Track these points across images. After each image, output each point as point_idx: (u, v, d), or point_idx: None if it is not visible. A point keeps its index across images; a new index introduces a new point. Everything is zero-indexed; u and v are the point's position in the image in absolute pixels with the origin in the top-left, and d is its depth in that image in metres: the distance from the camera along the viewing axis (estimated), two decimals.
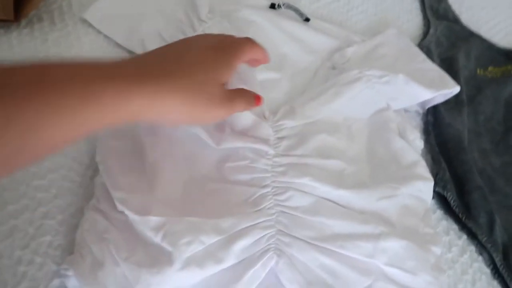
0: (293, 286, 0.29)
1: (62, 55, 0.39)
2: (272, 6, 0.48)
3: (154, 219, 0.28)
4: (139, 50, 0.41)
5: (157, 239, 0.28)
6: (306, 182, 0.32)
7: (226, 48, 0.28)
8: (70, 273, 0.29)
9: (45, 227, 0.31)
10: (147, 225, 0.28)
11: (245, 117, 0.36)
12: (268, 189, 0.32)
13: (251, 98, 0.30)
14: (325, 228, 0.31)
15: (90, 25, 0.41)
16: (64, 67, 0.21)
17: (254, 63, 0.32)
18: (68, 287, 0.29)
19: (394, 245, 0.31)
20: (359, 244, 0.30)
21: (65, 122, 0.20)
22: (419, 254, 0.32)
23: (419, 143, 0.41)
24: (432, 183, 0.37)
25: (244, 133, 0.35)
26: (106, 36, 0.41)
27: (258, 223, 0.31)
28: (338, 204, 0.32)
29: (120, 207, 0.30)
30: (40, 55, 0.38)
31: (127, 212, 0.29)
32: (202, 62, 0.26)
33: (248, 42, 0.30)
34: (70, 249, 0.31)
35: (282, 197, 0.32)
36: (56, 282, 0.30)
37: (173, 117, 0.25)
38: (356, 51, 0.46)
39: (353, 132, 0.39)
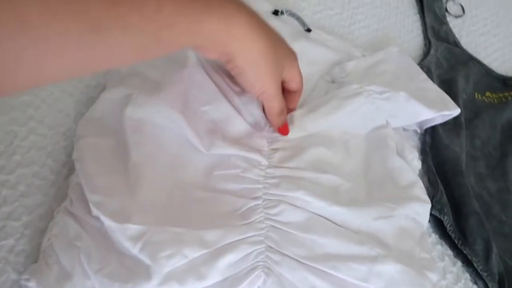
0: None
1: None
2: (275, 12, 0.46)
3: (133, 227, 0.26)
4: None
5: (134, 250, 0.25)
6: (299, 196, 0.30)
7: (292, 54, 0.34)
8: (32, 284, 0.26)
9: (7, 229, 0.28)
10: (125, 233, 0.25)
11: (239, 124, 0.34)
12: (259, 202, 0.30)
13: (285, 114, 0.33)
14: (318, 246, 0.29)
15: None
16: None
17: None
18: None
19: (390, 269, 0.29)
20: (353, 266, 0.28)
21: (189, 24, 0.23)
22: (416, 280, 0.30)
23: (417, 164, 0.40)
24: (429, 206, 0.36)
25: (236, 141, 0.33)
26: None
27: (247, 237, 0.28)
28: (332, 221, 0.30)
29: (95, 211, 0.27)
30: None
31: (102, 217, 0.26)
32: (284, 48, 0.32)
33: (297, 67, 0.34)
34: (35, 256, 0.28)
35: (274, 211, 0.29)
36: None
37: (245, 57, 0.28)
38: (357, 65, 0.44)
39: (349, 148, 0.37)
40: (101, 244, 0.26)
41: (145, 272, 0.24)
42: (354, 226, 0.30)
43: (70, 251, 0.26)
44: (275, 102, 0.31)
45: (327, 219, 0.30)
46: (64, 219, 0.28)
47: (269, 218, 0.29)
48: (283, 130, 0.33)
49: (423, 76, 0.46)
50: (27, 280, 0.26)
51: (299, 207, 0.30)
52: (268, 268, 0.27)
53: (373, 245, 0.30)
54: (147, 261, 0.25)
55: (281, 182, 0.31)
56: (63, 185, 0.31)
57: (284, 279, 0.27)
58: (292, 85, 0.34)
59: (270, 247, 0.28)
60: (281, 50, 0.31)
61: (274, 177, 0.31)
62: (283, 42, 0.32)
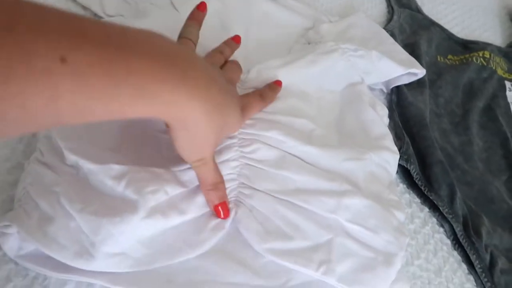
0: (251, 235, 0.30)
1: None
2: None
3: (115, 167, 0.28)
4: (96, 8, 0.41)
5: (119, 187, 0.28)
6: (273, 135, 0.33)
7: (245, 118, 0.33)
8: (11, 230, 0.27)
9: None
10: (108, 173, 0.28)
11: None
12: (234, 140, 0.33)
13: (220, 191, 0.30)
14: (289, 182, 0.32)
15: None
16: (135, 52, 0.20)
17: None
18: (4, 248, 0.28)
19: (357, 203, 0.33)
20: (322, 199, 0.32)
21: (109, 110, 0.20)
22: (382, 214, 0.34)
23: (386, 120, 0.45)
24: (397, 157, 0.40)
25: None
26: None
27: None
28: (304, 161, 0.33)
29: (72, 157, 0.29)
30: None
31: (82, 161, 0.28)
32: (234, 115, 0.29)
33: (260, 104, 0.34)
34: (6, 208, 0.29)
35: (248, 149, 0.32)
36: None
37: (185, 135, 0.26)
38: (330, 29, 0.48)
39: (323, 104, 0.41)
40: (80, 188, 0.28)
41: (132, 206, 0.27)
42: (325, 165, 0.34)
43: (49, 196, 0.28)
44: (207, 173, 0.29)
45: (299, 158, 0.33)
46: (37, 169, 0.29)
47: (244, 156, 0.32)
48: (223, 211, 0.30)
49: (391, 40, 0.51)
50: (7, 226, 0.27)
51: (272, 146, 0.33)
52: (240, 201, 0.31)
53: (343, 182, 0.33)
54: (133, 196, 0.27)
55: (256, 123, 0.34)
56: (31, 141, 0.32)
57: (255, 211, 0.31)
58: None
59: (243, 183, 0.31)
60: (229, 119, 0.28)
61: (249, 119, 0.34)
62: (233, 107, 0.29)
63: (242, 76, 0.38)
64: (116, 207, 0.27)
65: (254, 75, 0.38)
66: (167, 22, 0.38)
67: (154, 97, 0.21)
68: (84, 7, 0.41)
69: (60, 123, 0.20)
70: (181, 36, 0.31)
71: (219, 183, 0.30)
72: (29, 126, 0.19)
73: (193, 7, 0.42)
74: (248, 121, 0.34)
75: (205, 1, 0.44)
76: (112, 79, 0.19)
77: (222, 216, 0.30)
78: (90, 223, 0.26)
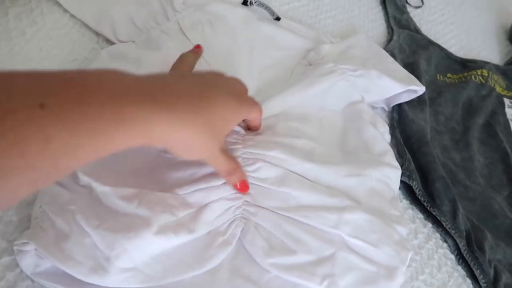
0: (256, 251, 0.31)
1: (23, 30, 0.39)
2: (244, 2, 0.52)
3: (127, 189, 0.29)
4: (108, 34, 0.43)
5: (131, 206, 0.29)
6: (275, 154, 0.34)
7: (243, 104, 0.31)
8: (28, 247, 0.28)
9: None
10: (120, 195, 0.29)
11: None
12: (238, 160, 0.34)
13: (237, 173, 0.32)
14: (291, 199, 0.33)
15: (56, 3, 0.43)
16: (101, 88, 0.22)
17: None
18: (22, 265, 0.29)
19: (358, 218, 0.34)
20: (323, 215, 0.33)
21: (96, 144, 0.21)
22: (383, 228, 0.35)
23: (387, 137, 0.46)
24: (399, 172, 0.41)
25: None
26: (72, 16, 0.42)
27: (226, 195, 0.33)
28: (305, 178, 0.35)
29: (85, 179, 0.30)
30: None
31: (95, 184, 0.30)
32: (225, 108, 0.29)
33: (258, 108, 0.34)
34: (23, 226, 0.31)
35: (251, 168, 0.34)
36: (5, 260, 0.29)
37: (187, 149, 0.27)
38: (331, 49, 0.50)
39: (325, 123, 0.42)
40: (94, 206, 0.30)
41: (145, 222, 0.28)
42: (326, 181, 0.35)
43: (64, 214, 0.29)
44: (219, 165, 0.31)
45: (300, 175, 0.35)
46: (53, 189, 0.31)
47: (247, 176, 0.33)
48: (241, 188, 0.33)
49: (391, 59, 0.53)
50: (24, 244, 0.28)
51: (274, 165, 0.34)
52: (245, 219, 0.32)
53: (343, 198, 0.34)
54: (145, 214, 0.28)
55: (259, 144, 0.35)
56: None
57: (260, 228, 0.32)
58: (256, 125, 0.37)
59: (247, 201, 0.33)
60: (227, 118, 0.29)
61: (252, 141, 0.36)
62: (218, 96, 0.29)
63: None
64: (130, 223, 0.29)
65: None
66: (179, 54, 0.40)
67: (131, 124, 0.22)
68: (97, 33, 0.43)
69: (58, 169, 0.20)
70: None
71: (233, 169, 0.32)
72: (31, 176, 0.19)
73: (201, 33, 0.45)
74: (250, 142, 0.35)
75: (212, 24, 0.46)
76: (87, 116, 0.20)
77: (238, 188, 0.33)
78: (105, 239, 0.28)
